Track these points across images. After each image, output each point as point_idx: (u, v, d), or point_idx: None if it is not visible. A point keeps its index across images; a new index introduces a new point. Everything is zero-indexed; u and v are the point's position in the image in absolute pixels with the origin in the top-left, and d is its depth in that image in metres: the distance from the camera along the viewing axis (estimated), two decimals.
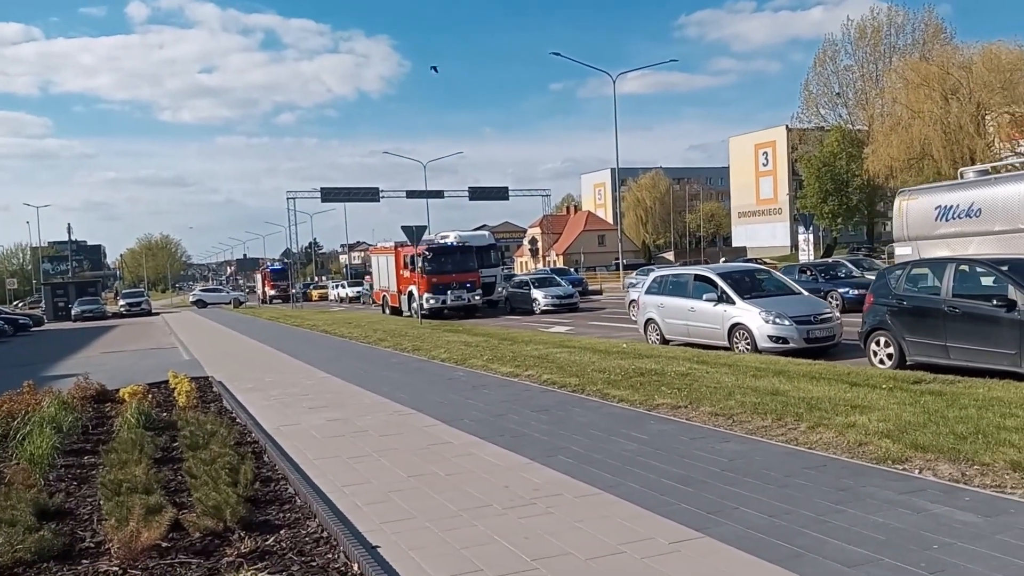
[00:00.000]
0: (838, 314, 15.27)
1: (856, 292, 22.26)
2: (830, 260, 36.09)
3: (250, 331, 28.28)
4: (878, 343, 12.15)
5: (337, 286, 72.38)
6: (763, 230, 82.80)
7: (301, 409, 10.44)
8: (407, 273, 31.58)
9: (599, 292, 45.36)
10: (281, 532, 5.31)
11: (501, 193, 72.16)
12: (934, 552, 4.42)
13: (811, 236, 39.50)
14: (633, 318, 28.59)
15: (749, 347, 14.26)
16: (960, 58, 47.26)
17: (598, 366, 12.25)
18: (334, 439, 8.39)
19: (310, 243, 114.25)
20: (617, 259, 59.50)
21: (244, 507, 5.57)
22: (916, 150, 45.68)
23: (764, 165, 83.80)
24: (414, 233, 25.47)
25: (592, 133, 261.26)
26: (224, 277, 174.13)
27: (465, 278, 31.39)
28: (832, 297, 22.27)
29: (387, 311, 34.57)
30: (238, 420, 9.62)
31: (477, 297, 31.68)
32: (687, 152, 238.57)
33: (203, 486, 5.97)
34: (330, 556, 4.85)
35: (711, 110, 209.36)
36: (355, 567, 4.61)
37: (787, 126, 75.56)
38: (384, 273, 35.16)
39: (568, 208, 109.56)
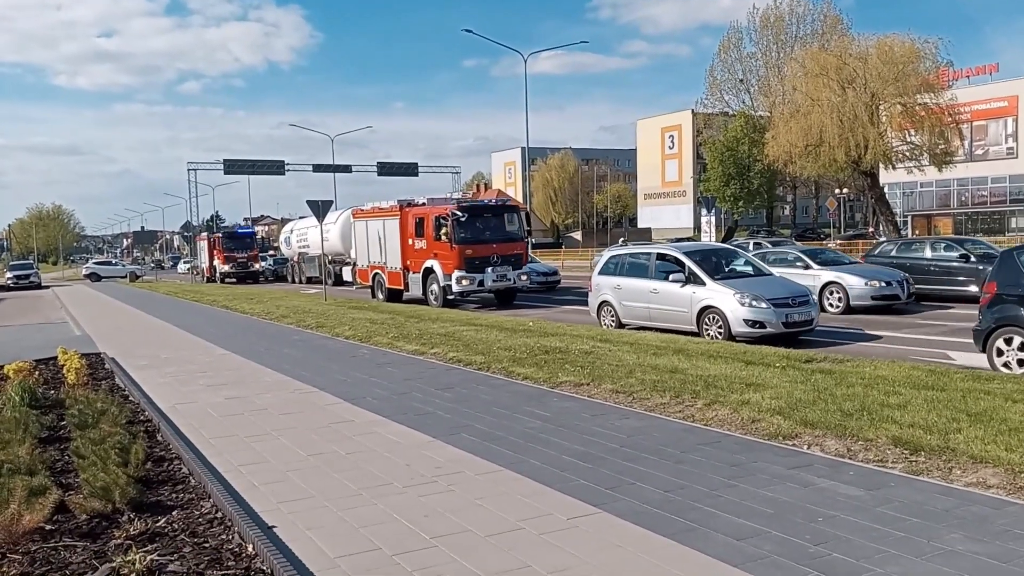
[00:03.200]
0: (815, 297, 14.62)
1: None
2: (741, 241, 37.18)
3: (146, 306, 27.24)
4: (1008, 342, 10.02)
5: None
6: (668, 212, 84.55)
7: (198, 387, 10.13)
8: (420, 243, 23.45)
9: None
10: (173, 513, 5.15)
11: (411, 169, 71.55)
12: (819, 524, 4.62)
13: (713, 218, 40.55)
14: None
15: (721, 332, 13.28)
16: (857, 49, 48.99)
17: (504, 344, 12.30)
18: (232, 417, 8.18)
19: (212, 216, 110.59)
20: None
21: (135, 488, 5.38)
22: (814, 137, 47.19)
23: (670, 148, 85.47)
24: (319, 208, 24.89)
25: (504, 111, 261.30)
26: (120, 249, 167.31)
27: (510, 250, 23.16)
28: None
29: (380, 294, 26.04)
30: (131, 398, 9.27)
31: (524, 276, 23.35)
32: (597, 133, 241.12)
33: (91, 466, 5.73)
34: (224, 537, 4.73)
35: (622, 92, 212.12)
36: (250, 548, 4.51)
37: (693, 110, 77.13)
38: (376, 244, 26.05)
39: (478, 186, 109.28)
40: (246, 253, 50.61)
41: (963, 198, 60.53)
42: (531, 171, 70.04)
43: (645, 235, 73.56)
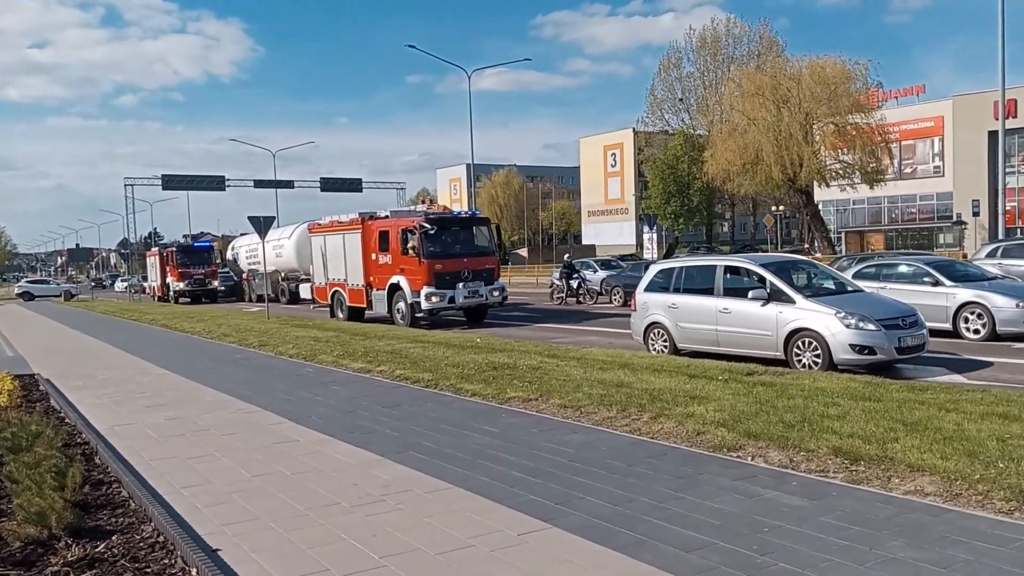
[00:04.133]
0: (922, 317, 12.09)
1: None
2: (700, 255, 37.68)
3: (82, 326, 26.48)
4: None
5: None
6: (611, 229, 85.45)
7: (137, 408, 9.87)
8: (385, 258, 22.00)
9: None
10: (113, 538, 5.00)
11: (355, 185, 71.08)
12: (765, 535, 4.70)
13: (655, 235, 41.11)
14: (554, 300, 28.46)
15: (818, 360, 11.16)
16: (791, 70, 50.40)
17: (452, 361, 12.27)
18: (173, 439, 7.99)
19: (150, 233, 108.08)
20: None
21: (72, 513, 5.21)
22: (751, 155, 48.33)
23: (612, 166, 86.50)
24: (261, 224, 24.55)
25: (449, 128, 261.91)
26: (54, 267, 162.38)
27: (481, 264, 21.73)
28: None
29: (340, 314, 24.40)
30: (67, 420, 8.98)
31: (496, 292, 21.81)
32: (541, 151, 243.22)
33: (26, 491, 5.53)
34: (167, 562, 4.61)
35: (565, 110, 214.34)
36: (194, 572, 4.40)
37: (634, 129, 78.27)
38: (336, 260, 24.44)
39: (423, 202, 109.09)
40: (203, 269, 44.97)
41: (893, 215, 62.49)
42: (477, 187, 70.14)
43: (589, 252, 74.16)
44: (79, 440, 7.90)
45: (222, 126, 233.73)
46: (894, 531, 4.70)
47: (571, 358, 12.06)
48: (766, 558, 4.35)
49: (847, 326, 11.11)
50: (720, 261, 13.46)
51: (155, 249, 53.54)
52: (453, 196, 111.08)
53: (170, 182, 69.61)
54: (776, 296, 11.84)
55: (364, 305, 23.09)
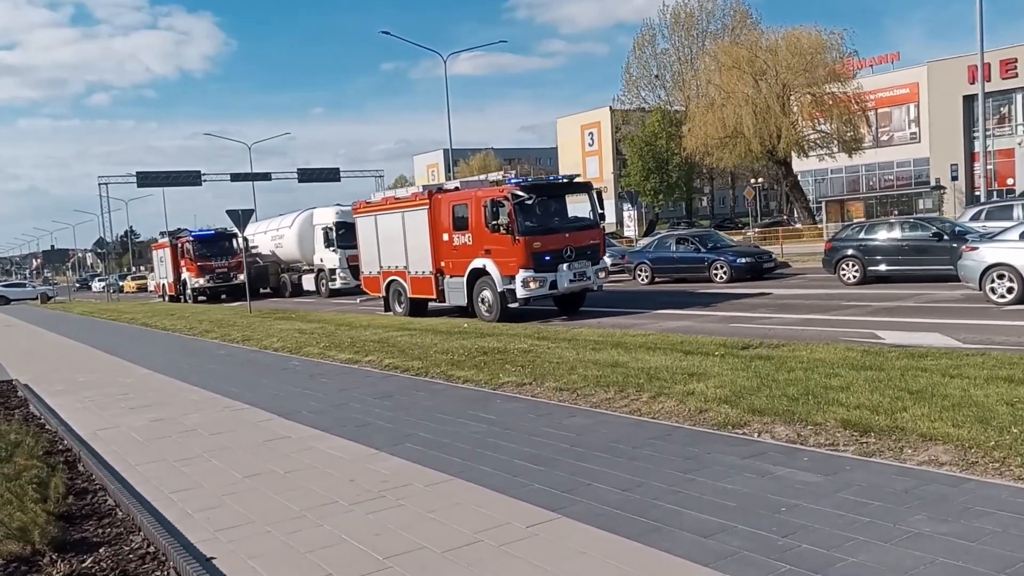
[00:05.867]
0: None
1: (744, 260, 22.92)
2: (703, 230, 37.43)
3: (60, 327, 25.99)
4: None
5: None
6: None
7: (120, 410, 9.57)
8: (463, 238, 17.80)
9: None
10: (100, 551, 4.75)
11: (332, 175, 70.43)
12: (783, 515, 4.52)
13: (635, 212, 40.96)
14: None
15: None
16: (766, 42, 50.24)
17: (440, 348, 12.03)
18: (159, 441, 7.71)
19: (126, 231, 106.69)
20: None
21: (56, 526, 4.97)
22: (729, 129, 48.17)
23: (590, 145, 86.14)
24: (240, 217, 24.17)
25: (425, 114, 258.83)
26: (29, 270, 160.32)
27: (584, 239, 17.70)
28: (717, 267, 22.78)
29: (398, 307, 20.30)
30: (47, 427, 8.68)
31: (603, 274, 18.38)
32: (518, 133, 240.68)
33: (6, 505, 5.27)
34: (159, 573, 4.38)
35: (541, 91, 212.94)
36: None
37: (611, 107, 77.91)
38: (391, 244, 20.10)
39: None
40: (226, 260, 36.99)
41: (871, 183, 62.60)
42: (455, 172, 69.63)
43: None
44: (61, 447, 7.61)
45: (196, 121, 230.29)
46: (915, 504, 4.54)
47: (562, 339, 11.86)
48: (788, 540, 4.16)
49: None
50: None
51: (164, 240, 43.73)
52: (432, 182, 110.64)
53: (145, 179, 68.67)
54: None
55: (432, 296, 19.09)
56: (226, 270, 36.93)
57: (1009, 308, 12.87)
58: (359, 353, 12.38)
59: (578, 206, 18.49)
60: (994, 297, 13.53)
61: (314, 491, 5.66)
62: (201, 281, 37.05)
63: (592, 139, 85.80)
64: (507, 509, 4.98)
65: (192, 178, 71.88)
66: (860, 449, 5.69)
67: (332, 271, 31.69)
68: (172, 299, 39.84)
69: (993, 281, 13.62)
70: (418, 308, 19.81)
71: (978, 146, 47.76)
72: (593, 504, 4.94)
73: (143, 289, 65.16)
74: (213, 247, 37.84)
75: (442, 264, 18.59)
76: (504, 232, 16.68)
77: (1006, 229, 15.11)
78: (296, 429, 7.73)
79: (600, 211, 18.49)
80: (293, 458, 6.63)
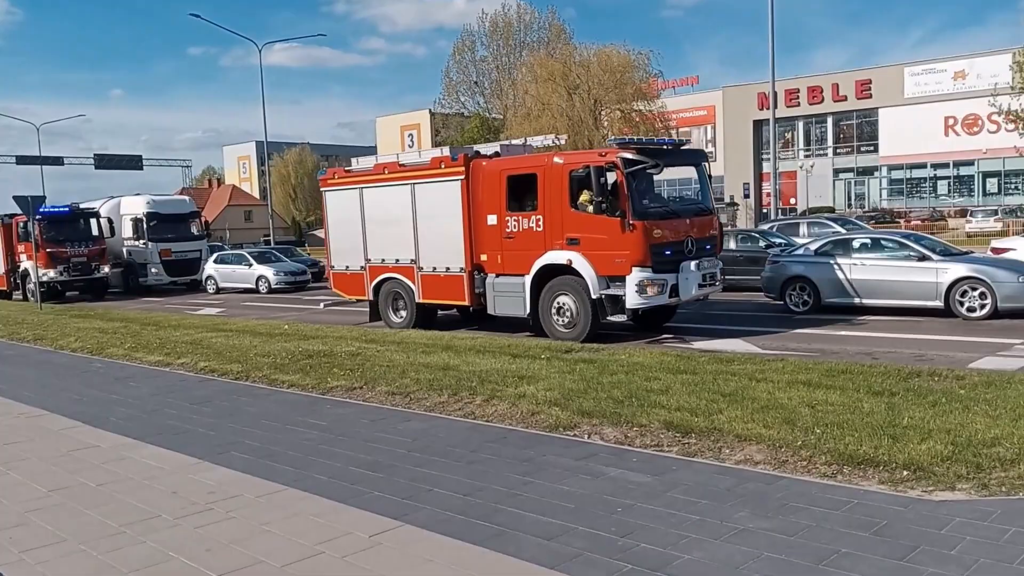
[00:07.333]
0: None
1: None
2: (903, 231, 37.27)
3: None
4: None
5: None
6: None
7: None
8: (527, 222, 12.98)
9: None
10: None
11: (134, 162, 66.00)
12: (620, 515, 4.70)
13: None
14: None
15: None
16: (580, 58, 52.32)
17: (261, 350, 11.55)
18: None
19: None
20: (267, 235, 57.31)
21: None
22: None
23: (410, 146, 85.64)
24: (29, 204, 22.03)
25: (237, 104, 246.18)
26: None
27: (704, 229, 13.17)
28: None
29: (395, 317, 15.16)
30: None
31: (720, 277, 13.41)
32: (336, 130, 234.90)
33: None
34: None
35: (360, 89, 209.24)
36: None
37: (431, 110, 78.09)
38: (387, 228, 14.99)
39: (210, 181, 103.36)
40: (86, 247, 28.80)
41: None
42: (269, 166, 67.15)
43: None
44: None
45: None
46: (738, 502, 4.86)
47: (390, 342, 11.73)
48: (627, 539, 4.34)
49: None
50: None
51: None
52: (243, 175, 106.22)
53: None
54: None
55: (461, 301, 14.06)
56: (85, 259, 28.95)
57: (802, 317, 14.09)
58: (170, 355, 11.65)
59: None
60: (791, 306, 14.77)
61: (132, 505, 5.26)
62: (52, 273, 28.10)
63: (412, 140, 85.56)
64: (347, 518, 4.86)
65: None
66: (683, 449, 6.02)
67: (143, 266, 29.54)
68: (3, 295, 30.29)
69: (793, 292, 14.86)
70: (427, 317, 14.83)
71: (767, 167, 52.16)
72: (436, 510, 4.92)
73: None
74: (68, 229, 29.15)
75: (483, 258, 13.59)
76: (610, 214, 11.95)
77: (803, 244, 16.53)
78: (105, 437, 7.16)
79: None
80: (105, 469, 6.13)
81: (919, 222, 45.31)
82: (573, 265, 12.34)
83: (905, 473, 5.12)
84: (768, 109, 34.45)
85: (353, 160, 16.77)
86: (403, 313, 14.99)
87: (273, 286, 26.88)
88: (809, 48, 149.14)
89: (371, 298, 15.42)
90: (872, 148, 59.16)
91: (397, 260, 14.82)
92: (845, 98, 59.08)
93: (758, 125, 57.81)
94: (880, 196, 59.33)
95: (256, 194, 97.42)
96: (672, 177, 17.22)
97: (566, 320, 12.56)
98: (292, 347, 11.62)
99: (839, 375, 8.02)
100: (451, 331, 13.59)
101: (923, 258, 13.38)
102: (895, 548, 4.05)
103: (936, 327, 12.17)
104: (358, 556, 4.28)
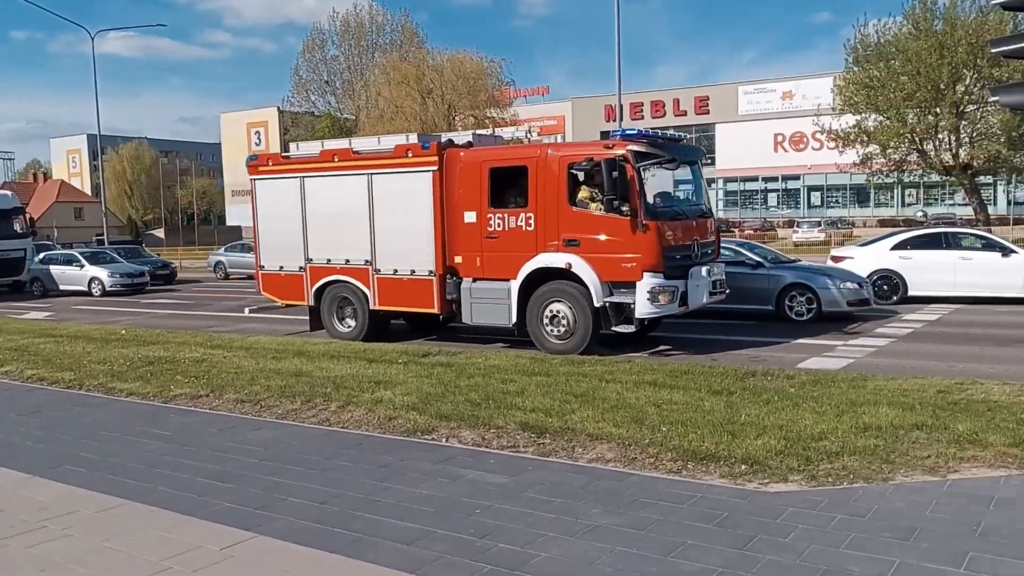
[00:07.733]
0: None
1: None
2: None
3: None
4: None
5: None
6: None
7: None
8: (514, 220, 11.70)
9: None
10: None
11: None
12: (478, 516, 4.76)
13: None
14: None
15: None
16: (433, 62, 52.46)
17: (96, 357, 10.87)
18: None
19: None
20: (100, 235, 53.84)
21: None
22: None
23: (257, 145, 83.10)
24: None
25: (66, 93, 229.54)
26: None
27: (706, 231, 12.38)
28: None
29: (340, 326, 13.53)
30: None
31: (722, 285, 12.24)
32: (177, 124, 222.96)
33: None
34: None
35: (204, 83, 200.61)
36: None
37: (279, 108, 75.93)
38: (337, 222, 13.22)
39: (36, 175, 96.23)
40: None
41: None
42: (102, 160, 63.15)
43: (235, 234, 70.64)
44: None
45: None
46: (591, 499, 5.03)
47: (238, 348, 11.32)
48: (486, 540, 4.40)
49: None
50: None
51: None
52: (72, 170, 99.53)
53: None
54: None
55: (429, 308, 12.46)
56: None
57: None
58: None
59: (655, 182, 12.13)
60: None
61: None
62: None
63: (259, 138, 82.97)
64: (196, 532, 4.66)
65: None
66: (538, 450, 6.16)
67: None
68: None
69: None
70: (380, 327, 13.29)
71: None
72: (291, 519, 4.80)
73: None
74: None
75: (457, 260, 12.16)
76: (618, 213, 10.84)
77: None
78: None
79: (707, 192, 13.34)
80: None
81: (752, 232, 48.43)
82: (573, 269, 11.17)
83: (743, 467, 5.46)
84: (615, 121, 35.73)
85: (292, 145, 15.24)
86: (351, 321, 13.34)
87: (107, 288, 25.33)
88: (654, 63, 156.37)
89: (311, 303, 13.70)
90: (710, 161, 62.47)
91: (347, 261, 13.10)
92: (685, 113, 62.36)
93: (605, 136, 59.87)
94: (717, 207, 62.79)
95: (88, 190, 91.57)
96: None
97: (561, 330, 11.37)
98: (131, 353, 11.01)
99: (682, 375, 8.45)
100: (372, 343, 13.27)
101: (757, 265, 14.32)
102: (736, 538, 4.31)
103: (769, 330, 13.01)
104: (209, 570, 4.13)
